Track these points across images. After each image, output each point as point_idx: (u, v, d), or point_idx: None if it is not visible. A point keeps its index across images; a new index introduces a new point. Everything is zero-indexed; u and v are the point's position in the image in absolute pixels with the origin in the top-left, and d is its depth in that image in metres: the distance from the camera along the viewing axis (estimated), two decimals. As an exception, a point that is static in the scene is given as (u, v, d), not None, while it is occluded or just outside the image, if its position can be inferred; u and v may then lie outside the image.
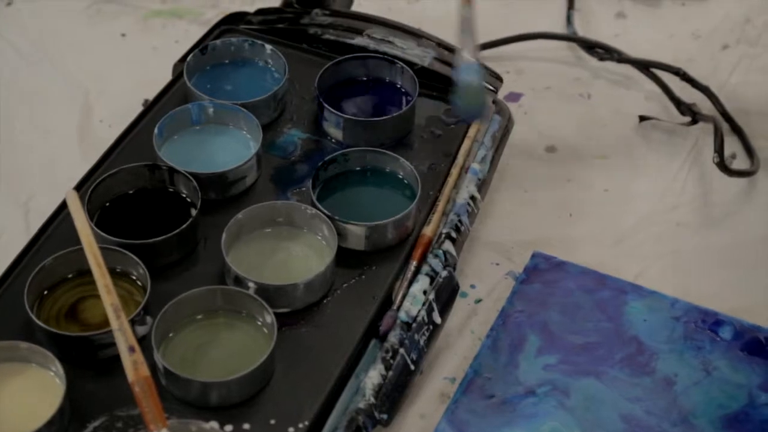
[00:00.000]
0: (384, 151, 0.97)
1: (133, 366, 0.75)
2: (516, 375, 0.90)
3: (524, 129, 1.13)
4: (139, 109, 1.03)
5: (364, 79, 1.05)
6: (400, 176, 0.96)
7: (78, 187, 0.94)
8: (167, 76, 1.06)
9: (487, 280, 1.00)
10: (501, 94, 1.13)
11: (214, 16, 1.22)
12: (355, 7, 1.18)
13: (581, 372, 0.90)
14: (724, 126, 1.12)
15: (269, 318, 0.84)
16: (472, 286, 0.99)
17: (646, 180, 1.09)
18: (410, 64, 1.04)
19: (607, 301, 0.95)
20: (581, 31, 1.24)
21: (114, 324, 0.76)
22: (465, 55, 0.93)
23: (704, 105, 1.14)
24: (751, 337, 0.92)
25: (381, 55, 1.04)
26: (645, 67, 1.17)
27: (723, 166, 1.05)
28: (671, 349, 0.91)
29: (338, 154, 0.96)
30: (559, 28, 1.24)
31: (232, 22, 1.11)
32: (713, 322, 0.93)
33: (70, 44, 1.21)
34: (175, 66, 1.06)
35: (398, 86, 1.04)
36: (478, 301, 0.98)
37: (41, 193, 1.04)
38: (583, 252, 1.01)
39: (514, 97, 1.17)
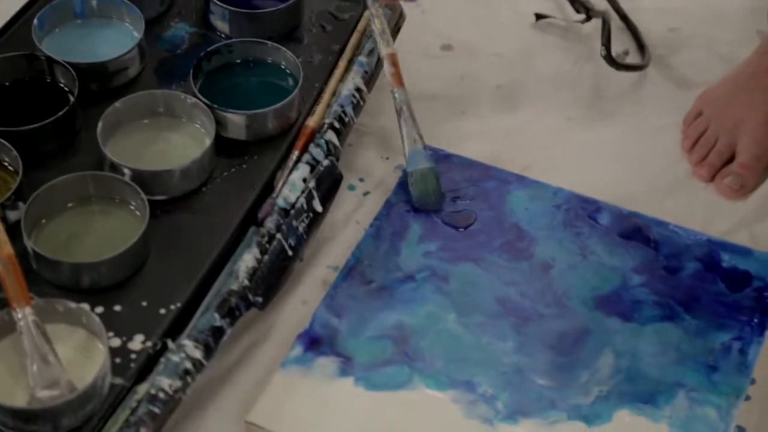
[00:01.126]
0: (266, 42, 0.96)
1: (-4, 245, 0.75)
2: (396, 261, 0.91)
3: (421, 28, 1.13)
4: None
5: (254, -28, 1.04)
6: (283, 66, 0.96)
7: (-46, 79, 0.93)
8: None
9: (376, 174, 1.00)
10: (399, -6, 1.13)
11: None
12: None
13: (460, 258, 0.91)
14: (619, 24, 1.12)
15: (141, 201, 0.83)
16: (361, 180, 0.99)
17: (539, 76, 1.09)
18: (301, -42, 1.04)
19: (491, 190, 0.96)
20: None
21: (-23, 205, 0.76)
22: (408, 143, 0.94)
23: (601, 4, 1.14)
24: (629, 223, 0.93)
25: (269, -52, 1.03)
26: (543, -35, 1.17)
27: (610, 59, 1.05)
28: (550, 236, 0.92)
29: (221, 45, 0.95)
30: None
31: None
32: (593, 209, 0.94)
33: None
34: (61, -40, 1.05)
35: (287, -21, 1.03)
36: (366, 193, 0.98)
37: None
38: (474, 146, 1.02)
39: (412, -4, 1.16)
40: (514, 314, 0.87)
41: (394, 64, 0.96)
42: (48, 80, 0.92)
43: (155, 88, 0.95)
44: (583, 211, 0.94)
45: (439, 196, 0.94)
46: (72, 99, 0.89)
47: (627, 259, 0.91)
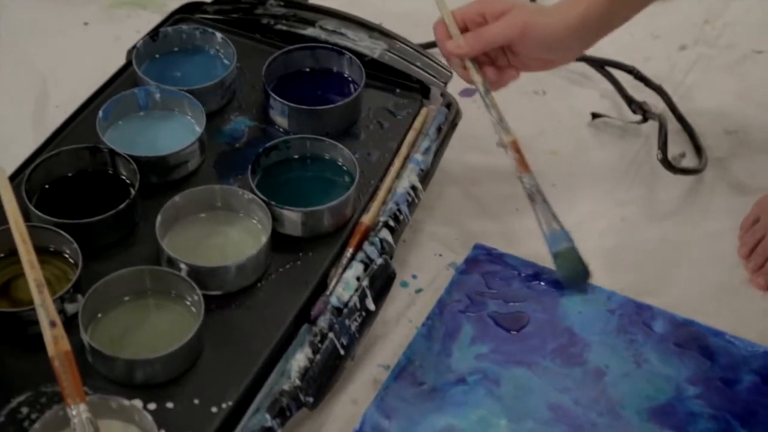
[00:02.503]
0: (324, 138, 0.97)
1: (54, 340, 0.76)
2: (448, 363, 0.90)
3: (478, 124, 1.13)
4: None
5: (313, 69, 1.05)
6: (340, 163, 0.97)
7: (21, 169, 0.95)
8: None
9: (429, 271, 1.00)
10: (456, 89, 1.14)
11: (176, 7, 1.23)
12: (319, 0, 1.19)
13: (513, 361, 0.90)
14: (676, 125, 1.12)
15: (197, 298, 0.84)
16: (414, 276, 0.99)
17: (594, 176, 1.09)
18: (359, 56, 1.05)
19: (544, 292, 0.96)
20: (541, 30, 1.24)
21: (36, 299, 0.77)
22: (546, 225, 0.95)
23: (658, 105, 1.15)
24: (684, 332, 0.92)
25: (329, 46, 1.05)
26: (600, 65, 1.17)
27: (666, 163, 1.05)
28: (604, 341, 0.92)
29: (280, 141, 0.97)
30: (520, 25, 1.25)
31: (188, 11, 1.12)
32: (648, 315, 0.94)
33: (32, 31, 1.22)
34: (128, 52, 1.07)
35: (346, 77, 1.05)
36: (419, 290, 0.98)
37: (-8, 177, 1.05)
38: (527, 245, 1.02)
39: (470, 92, 1.17)
40: (566, 422, 0.86)
41: (518, 150, 0.96)
42: (110, 172, 0.94)
43: (214, 181, 0.96)
44: (638, 317, 0.93)
45: (585, 274, 0.95)
46: (133, 192, 0.91)
47: (682, 368, 0.90)
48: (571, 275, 0.95)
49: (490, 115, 0.97)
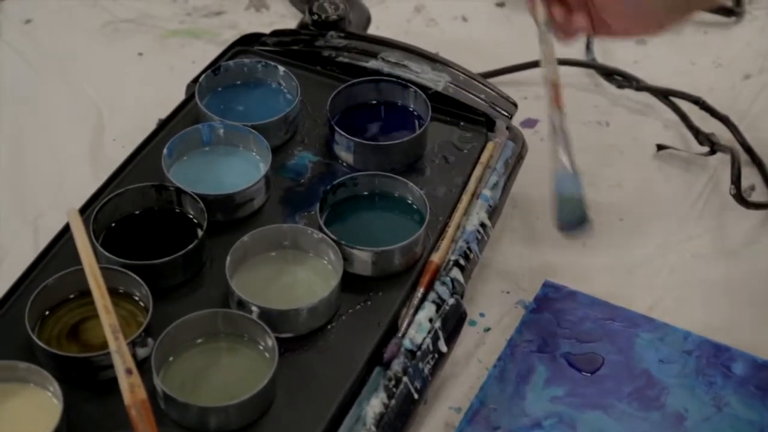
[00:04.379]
0: (393, 175, 0.96)
1: (130, 388, 0.74)
2: (522, 406, 0.88)
3: (540, 156, 1.11)
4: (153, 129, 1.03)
5: (377, 102, 1.04)
6: (409, 201, 0.95)
7: (85, 207, 0.94)
8: (183, 96, 1.06)
9: (496, 309, 0.98)
10: (518, 121, 1.12)
11: (231, 37, 1.21)
12: (373, 31, 1.18)
13: (589, 405, 0.88)
14: (743, 157, 1.10)
15: (271, 342, 0.83)
16: (482, 314, 0.98)
17: (662, 210, 1.07)
18: (424, 88, 1.03)
19: (618, 332, 0.93)
20: (601, 58, 1.22)
21: (112, 345, 0.76)
22: (560, 164, 0.92)
23: (724, 135, 1.12)
24: (765, 374, 0.90)
25: (394, 79, 1.03)
26: (664, 95, 1.15)
27: (740, 198, 1.03)
28: (682, 384, 0.89)
29: (347, 178, 0.95)
30: (579, 54, 1.23)
31: (247, 43, 1.10)
32: (726, 357, 0.91)
33: (86, 62, 1.21)
34: (188, 86, 1.06)
35: (411, 110, 1.03)
36: (487, 329, 0.96)
37: (50, 213, 1.04)
38: (595, 282, 1.00)
39: (531, 123, 1.15)
40: (647, 469, 0.84)
41: (557, 89, 0.93)
42: (177, 210, 0.92)
43: (280, 218, 0.95)
44: (716, 358, 0.91)
45: (584, 221, 0.91)
46: (201, 232, 0.89)
47: (764, 412, 0.87)
48: (570, 220, 0.91)
49: (541, 50, 0.93)
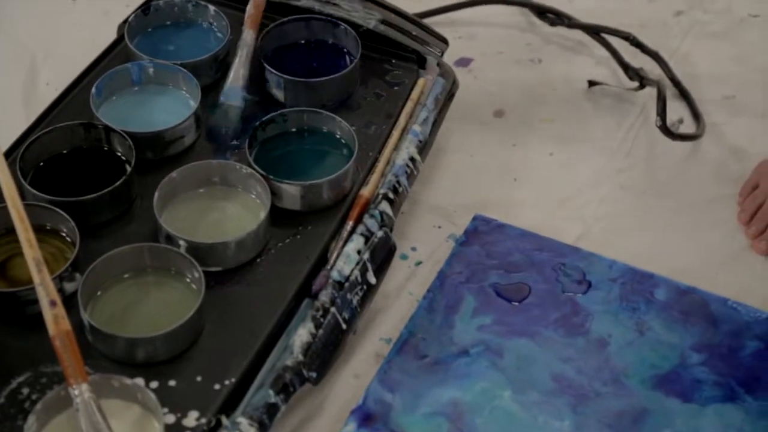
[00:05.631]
0: (321, 111, 0.96)
1: (54, 320, 0.75)
2: (450, 336, 0.90)
3: (473, 93, 1.13)
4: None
5: (308, 40, 1.04)
6: (338, 136, 0.96)
7: (14, 147, 0.93)
8: (117, 40, 1.06)
9: (428, 243, 0.99)
10: (452, 59, 1.13)
11: (166, -20, 1.22)
12: (309, -29, 1.18)
13: (515, 333, 0.90)
14: (673, 91, 1.12)
15: (197, 275, 0.83)
16: (413, 249, 0.99)
17: (592, 144, 1.08)
18: (355, 26, 1.04)
19: (545, 262, 0.95)
20: (535, -3, 1.23)
21: (36, 278, 0.76)
22: (232, 77, 0.97)
23: (654, 71, 1.14)
24: (686, 299, 0.92)
25: (324, 17, 1.03)
26: (595, 32, 1.16)
27: (665, 130, 1.04)
28: (606, 310, 0.91)
29: (276, 115, 0.96)
30: (514, -7, 1.24)
31: (179, -16, 1.10)
32: (649, 283, 0.93)
33: (19, 8, 1.20)
34: (119, 27, 1.05)
35: (341, 48, 1.04)
36: (419, 263, 0.98)
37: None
38: (526, 215, 1.01)
39: (465, 61, 1.16)
40: (570, 392, 0.86)
41: (257, 7, 0.99)
42: (105, 149, 0.93)
43: (210, 155, 0.95)
44: (640, 285, 0.93)
45: (233, 134, 0.97)
46: (129, 169, 0.90)
47: (685, 336, 0.89)
48: (221, 124, 0.96)
49: None
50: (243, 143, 0.95)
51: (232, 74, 0.97)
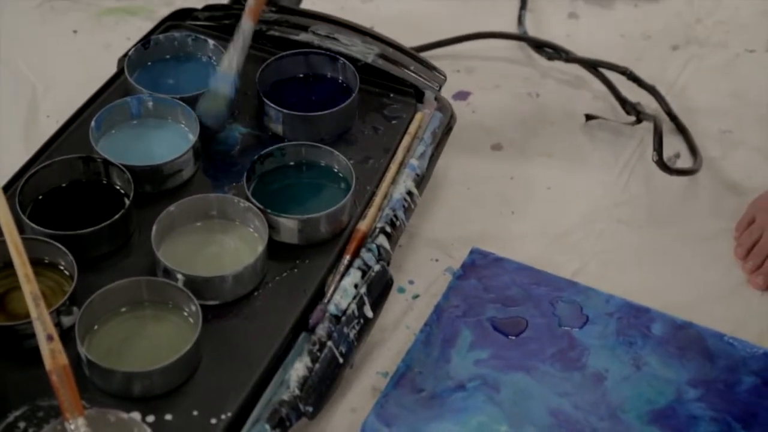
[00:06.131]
0: (319, 145, 0.97)
1: (51, 354, 0.75)
2: (447, 369, 0.90)
3: (471, 127, 1.13)
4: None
5: (307, 74, 1.05)
6: (336, 170, 0.97)
7: (13, 181, 0.94)
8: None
9: (425, 276, 0.99)
10: (450, 93, 1.14)
11: (167, 14, 1.22)
12: (309, 6, 1.18)
13: (512, 367, 0.90)
14: (670, 125, 1.12)
15: (195, 308, 0.84)
16: (411, 282, 0.99)
17: (589, 178, 1.09)
18: (353, 60, 1.04)
19: (542, 297, 0.95)
20: (533, 32, 1.24)
21: (33, 312, 0.76)
22: (225, 64, 0.98)
23: (651, 105, 1.14)
24: (683, 334, 0.92)
25: (323, 51, 1.04)
26: (593, 66, 1.17)
27: (662, 165, 1.05)
28: (603, 345, 0.91)
29: (274, 149, 0.96)
30: (512, 27, 1.25)
31: (179, 18, 1.11)
32: (646, 318, 0.93)
33: (20, 40, 1.21)
34: (119, 61, 1.06)
35: (340, 82, 1.04)
36: (416, 296, 0.98)
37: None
38: (523, 248, 1.01)
39: (463, 95, 1.17)
40: (567, 427, 0.86)
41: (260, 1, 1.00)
42: (104, 182, 0.93)
43: (208, 189, 0.96)
44: (636, 320, 0.93)
45: (221, 121, 0.98)
46: (127, 202, 0.90)
47: (682, 371, 0.89)
48: (208, 111, 0.97)
49: None
50: (242, 178, 0.95)
51: (225, 61, 0.98)
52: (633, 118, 1.12)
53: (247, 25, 0.99)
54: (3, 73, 1.17)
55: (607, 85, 1.16)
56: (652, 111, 1.12)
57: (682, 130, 1.12)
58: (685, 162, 1.10)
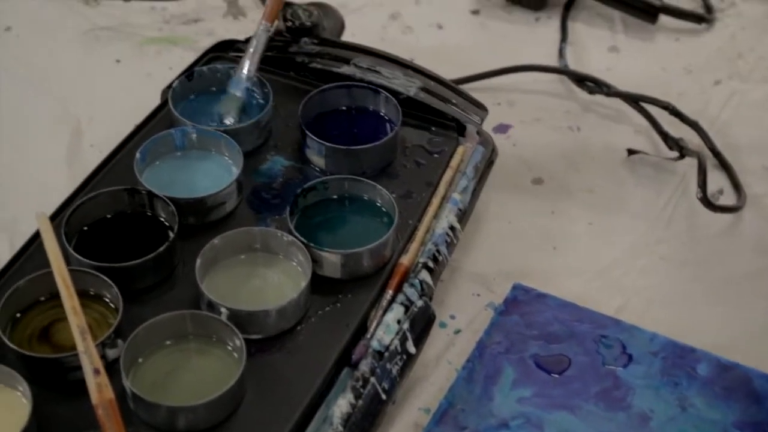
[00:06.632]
0: (362, 179, 0.97)
1: (98, 388, 0.75)
2: (490, 407, 0.89)
3: (512, 160, 1.13)
4: (131, 135, 1.04)
5: (349, 107, 1.05)
6: (379, 204, 0.96)
7: (59, 211, 0.95)
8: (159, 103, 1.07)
9: (467, 311, 0.99)
10: (490, 126, 1.14)
11: (208, 44, 1.22)
12: (349, 38, 1.19)
13: (556, 405, 0.89)
14: (713, 161, 1.12)
15: (239, 343, 0.84)
16: (452, 317, 0.99)
17: (631, 214, 1.08)
18: (395, 94, 1.04)
19: (585, 334, 0.95)
20: (574, 65, 1.24)
21: (80, 346, 0.77)
22: (242, 70, 1.03)
23: (693, 140, 1.14)
24: (729, 375, 0.91)
25: (365, 84, 1.05)
26: (634, 101, 1.17)
27: (706, 202, 1.04)
28: (648, 385, 0.90)
29: (317, 182, 0.96)
30: (552, 60, 1.25)
31: (222, 49, 1.12)
32: (691, 358, 0.92)
33: (65, 70, 1.22)
34: (163, 92, 1.07)
35: (382, 115, 1.04)
36: (457, 331, 0.97)
37: (28, 218, 1.03)
38: (565, 284, 1.01)
39: (503, 128, 1.17)
40: (611, 468, 0.85)
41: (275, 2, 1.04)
42: (149, 214, 0.94)
43: (251, 221, 0.96)
44: (681, 359, 0.92)
45: (233, 119, 1.02)
46: (172, 235, 0.90)
47: (728, 412, 0.88)
48: (226, 112, 1.02)
49: None
50: (284, 211, 0.95)
51: (242, 64, 1.03)
52: (676, 154, 1.11)
53: (263, 30, 1.03)
54: (47, 102, 1.18)
55: (649, 119, 1.15)
56: (694, 146, 1.11)
57: (725, 166, 1.11)
58: (728, 198, 1.09)
